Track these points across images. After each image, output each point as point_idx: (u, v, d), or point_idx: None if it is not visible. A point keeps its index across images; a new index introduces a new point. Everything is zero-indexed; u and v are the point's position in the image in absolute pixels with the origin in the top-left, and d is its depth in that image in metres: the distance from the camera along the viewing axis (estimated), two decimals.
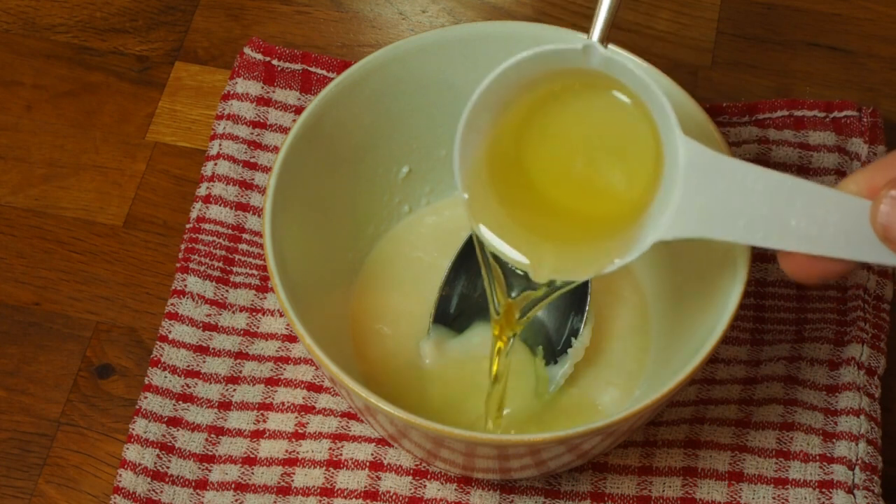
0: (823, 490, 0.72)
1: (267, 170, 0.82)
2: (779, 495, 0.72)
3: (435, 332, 0.75)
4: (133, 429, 0.74)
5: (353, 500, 0.72)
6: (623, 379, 0.74)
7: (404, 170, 0.78)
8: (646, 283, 0.76)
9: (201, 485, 0.73)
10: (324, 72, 0.85)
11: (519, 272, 0.67)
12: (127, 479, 0.73)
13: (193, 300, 0.78)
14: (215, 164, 0.82)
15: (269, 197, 0.69)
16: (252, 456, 0.74)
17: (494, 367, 0.70)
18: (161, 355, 0.76)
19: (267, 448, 0.74)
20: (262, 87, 0.84)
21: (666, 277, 0.75)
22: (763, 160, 0.82)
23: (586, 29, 0.73)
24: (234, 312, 0.78)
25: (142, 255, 0.81)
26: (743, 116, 0.84)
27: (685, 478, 0.73)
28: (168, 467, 0.73)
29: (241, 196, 0.81)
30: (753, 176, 0.61)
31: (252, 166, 0.82)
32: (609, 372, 0.74)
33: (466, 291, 0.76)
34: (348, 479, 0.73)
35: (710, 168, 0.61)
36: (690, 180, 0.61)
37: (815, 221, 0.60)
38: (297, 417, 0.75)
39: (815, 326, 0.77)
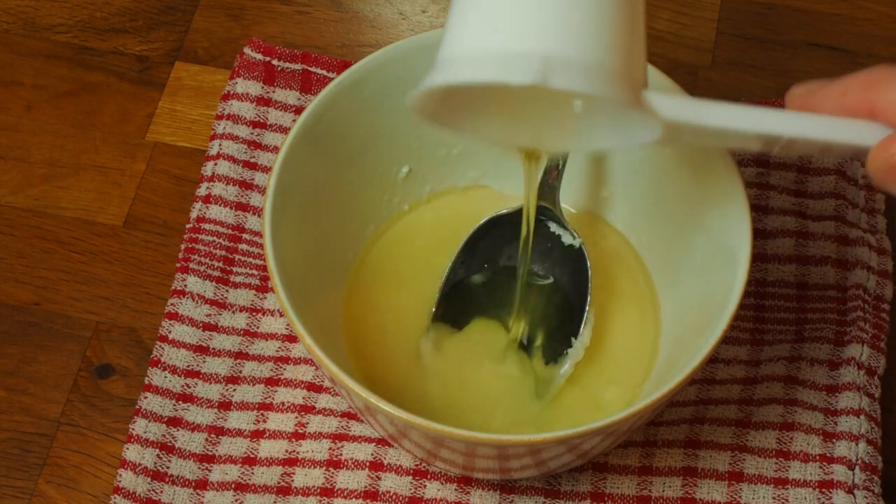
0: (823, 490, 0.72)
1: (267, 170, 0.82)
2: (779, 495, 0.72)
3: (435, 330, 0.75)
4: (133, 429, 0.74)
5: (353, 500, 0.72)
6: (623, 378, 0.74)
7: (404, 170, 0.78)
8: (646, 282, 0.76)
9: (201, 485, 0.73)
10: (324, 72, 0.85)
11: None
12: (127, 479, 0.73)
13: (193, 300, 0.78)
14: (215, 164, 0.82)
15: (269, 197, 0.69)
16: (252, 456, 0.74)
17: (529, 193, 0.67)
18: (161, 355, 0.76)
19: (267, 448, 0.74)
20: (262, 87, 0.84)
21: (666, 277, 0.75)
22: (763, 160, 0.82)
23: None
24: (234, 312, 0.78)
25: (142, 255, 0.81)
26: None
27: (685, 478, 0.73)
28: (168, 467, 0.73)
29: (241, 196, 0.81)
30: (740, 113, 0.58)
31: (252, 166, 0.82)
32: (609, 371, 0.74)
33: (466, 290, 0.76)
34: (348, 479, 0.73)
35: (694, 112, 0.58)
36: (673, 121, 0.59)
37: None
38: (297, 417, 0.75)
39: (815, 326, 0.77)
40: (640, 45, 0.58)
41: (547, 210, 0.75)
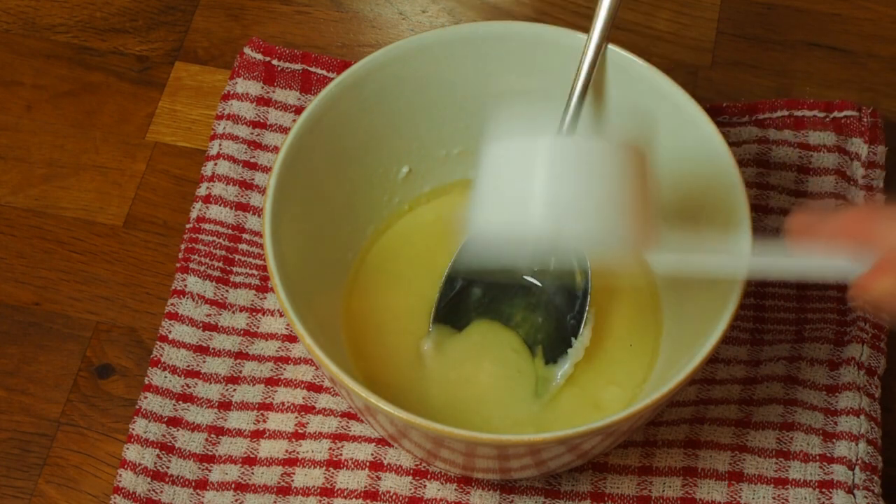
0: (823, 490, 0.72)
1: (267, 170, 0.82)
2: (779, 495, 0.72)
3: (435, 330, 0.75)
4: (133, 429, 0.74)
5: (353, 500, 0.72)
6: (624, 378, 0.74)
7: (404, 169, 0.78)
8: (646, 283, 0.76)
9: (201, 485, 0.73)
10: (324, 72, 0.85)
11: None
12: (127, 479, 0.73)
13: (193, 300, 0.78)
14: (215, 164, 0.82)
15: (269, 197, 0.69)
16: (252, 456, 0.74)
17: None
18: (161, 355, 0.76)
19: (267, 448, 0.74)
20: (262, 87, 0.84)
21: (667, 277, 0.75)
22: (763, 160, 0.82)
23: (586, 28, 0.73)
24: (234, 312, 0.78)
25: (142, 255, 0.81)
26: (743, 116, 0.84)
27: (685, 478, 0.73)
28: (168, 467, 0.73)
29: (241, 196, 0.81)
30: (733, 263, 0.68)
31: (252, 166, 0.82)
32: (609, 371, 0.74)
33: (467, 290, 0.76)
34: (348, 479, 0.73)
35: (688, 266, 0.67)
36: None
37: None
38: (297, 417, 0.75)
39: (815, 326, 0.77)
40: (644, 210, 0.65)
41: None
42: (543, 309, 0.75)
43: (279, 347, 0.77)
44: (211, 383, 0.76)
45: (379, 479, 0.73)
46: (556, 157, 0.63)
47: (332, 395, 0.75)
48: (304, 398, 0.75)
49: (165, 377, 0.76)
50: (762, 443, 0.73)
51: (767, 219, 0.80)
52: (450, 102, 0.77)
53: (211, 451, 0.74)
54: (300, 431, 0.74)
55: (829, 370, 0.75)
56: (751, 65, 0.88)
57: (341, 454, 0.73)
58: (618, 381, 0.74)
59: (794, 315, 0.78)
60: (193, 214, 0.81)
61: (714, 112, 0.83)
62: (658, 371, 0.73)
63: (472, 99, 0.77)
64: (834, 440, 0.73)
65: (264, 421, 0.75)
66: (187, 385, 0.76)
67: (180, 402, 0.75)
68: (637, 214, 0.63)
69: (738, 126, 0.83)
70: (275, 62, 0.85)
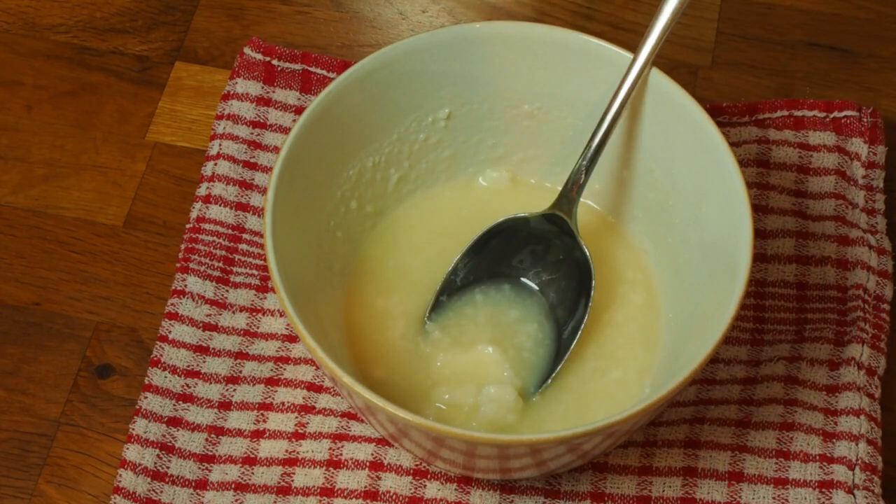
0: (823, 490, 0.72)
1: (267, 170, 0.82)
2: (779, 495, 0.72)
3: (435, 330, 0.75)
4: (133, 429, 0.74)
5: (353, 500, 0.72)
6: (625, 377, 0.74)
7: (406, 167, 0.78)
8: (647, 282, 0.76)
9: (201, 485, 0.73)
10: (324, 72, 0.85)
11: None
12: (127, 479, 0.73)
13: (193, 300, 0.78)
14: (215, 164, 0.82)
15: (269, 197, 0.69)
16: (252, 456, 0.74)
17: None
18: (161, 355, 0.76)
19: (267, 448, 0.74)
20: (262, 87, 0.84)
21: (667, 277, 0.75)
22: (763, 160, 0.82)
23: (584, 28, 0.73)
24: (234, 312, 0.78)
25: (142, 255, 0.81)
26: (743, 116, 0.84)
27: (685, 478, 0.73)
28: (168, 467, 0.73)
29: (241, 196, 0.81)
30: None
31: (252, 166, 0.82)
32: (610, 370, 0.74)
33: (466, 292, 0.76)
34: (348, 479, 0.73)
35: None
36: None
37: None
38: (297, 417, 0.75)
39: (815, 326, 0.77)
40: None
41: (562, 222, 0.74)
42: (544, 319, 0.75)
43: (279, 347, 0.77)
44: (211, 383, 0.76)
45: (379, 479, 0.73)
46: None
47: (333, 395, 0.75)
48: (304, 398, 0.75)
49: (165, 377, 0.76)
50: (762, 443, 0.73)
51: (767, 219, 0.80)
52: (450, 102, 0.77)
53: (211, 451, 0.74)
54: (300, 431, 0.74)
55: (829, 370, 0.75)
56: (751, 65, 0.88)
57: (341, 454, 0.73)
58: (619, 380, 0.73)
59: (794, 315, 0.78)
60: (193, 214, 0.81)
61: (714, 112, 0.83)
62: (658, 372, 0.73)
63: (471, 100, 0.77)
64: (834, 440, 0.73)
65: (264, 421, 0.75)
66: (187, 385, 0.76)
67: (180, 402, 0.75)
68: None
69: (738, 126, 0.83)
70: (275, 62, 0.85)
